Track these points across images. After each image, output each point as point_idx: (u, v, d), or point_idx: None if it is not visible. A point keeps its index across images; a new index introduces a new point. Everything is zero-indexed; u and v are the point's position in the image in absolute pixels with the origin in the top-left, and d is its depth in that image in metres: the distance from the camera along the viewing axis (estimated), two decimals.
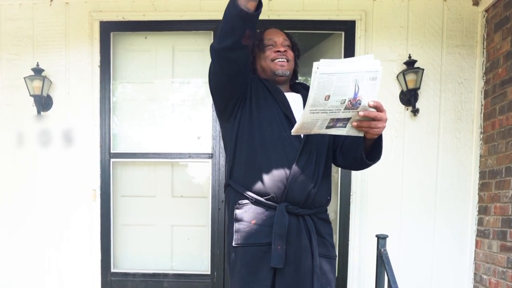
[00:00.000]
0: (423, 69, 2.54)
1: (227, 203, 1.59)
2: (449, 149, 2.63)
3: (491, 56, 2.52)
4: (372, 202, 2.66)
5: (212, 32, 2.68)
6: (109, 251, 2.75)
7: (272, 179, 1.45)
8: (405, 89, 2.58)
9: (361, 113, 1.21)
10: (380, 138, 1.36)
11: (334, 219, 2.71)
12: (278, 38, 1.59)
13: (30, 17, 2.71)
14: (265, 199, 1.46)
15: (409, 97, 2.58)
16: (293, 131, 1.29)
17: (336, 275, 1.76)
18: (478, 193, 2.61)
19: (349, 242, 2.68)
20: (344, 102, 1.17)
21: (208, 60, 1.46)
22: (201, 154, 2.75)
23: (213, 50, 1.40)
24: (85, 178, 2.72)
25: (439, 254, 2.64)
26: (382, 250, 2.07)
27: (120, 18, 2.69)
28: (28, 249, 2.74)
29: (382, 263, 2.05)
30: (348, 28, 2.65)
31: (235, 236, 1.48)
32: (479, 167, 2.61)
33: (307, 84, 1.55)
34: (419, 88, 2.56)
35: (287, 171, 1.45)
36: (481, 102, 2.60)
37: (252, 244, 1.45)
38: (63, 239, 2.73)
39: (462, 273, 2.64)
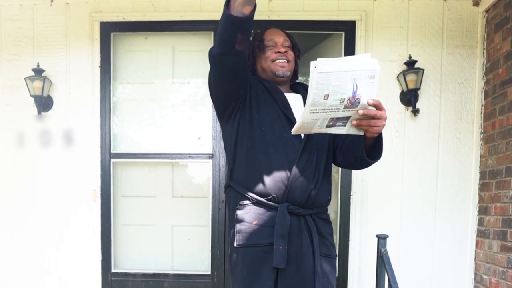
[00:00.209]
0: (423, 69, 2.54)
1: (228, 204, 1.59)
2: (449, 149, 2.63)
3: (491, 56, 2.53)
4: (372, 202, 2.66)
5: (212, 33, 2.68)
6: (110, 251, 2.75)
7: (273, 179, 1.45)
8: (405, 89, 2.58)
9: (360, 112, 1.22)
10: (380, 136, 1.36)
11: (335, 219, 2.71)
12: (278, 39, 1.58)
13: (30, 18, 2.71)
14: (266, 199, 1.46)
15: (409, 97, 2.59)
16: (293, 131, 1.29)
17: (337, 275, 1.76)
18: (479, 193, 2.61)
19: (349, 242, 2.68)
20: (343, 101, 1.18)
21: (208, 60, 1.46)
22: (201, 154, 2.75)
23: (211, 56, 1.40)
24: (85, 178, 2.72)
25: (440, 254, 2.64)
26: (383, 250, 2.08)
27: (120, 19, 2.69)
28: (28, 249, 2.74)
29: (383, 263, 2.05)
30: (348, 28, 2.65)
31: (236, 237, 1.48)
32: (479, 167, 2.61)
33: (307, 84, 1.55)
34: (419, 88, 2.57)
35: (288, 172, 1.45)
36: (482, 102, 2.60)
37: (254, 244, 1.45)
38: (63, 239, 2.73)
39: (462, 273, 2.64)
